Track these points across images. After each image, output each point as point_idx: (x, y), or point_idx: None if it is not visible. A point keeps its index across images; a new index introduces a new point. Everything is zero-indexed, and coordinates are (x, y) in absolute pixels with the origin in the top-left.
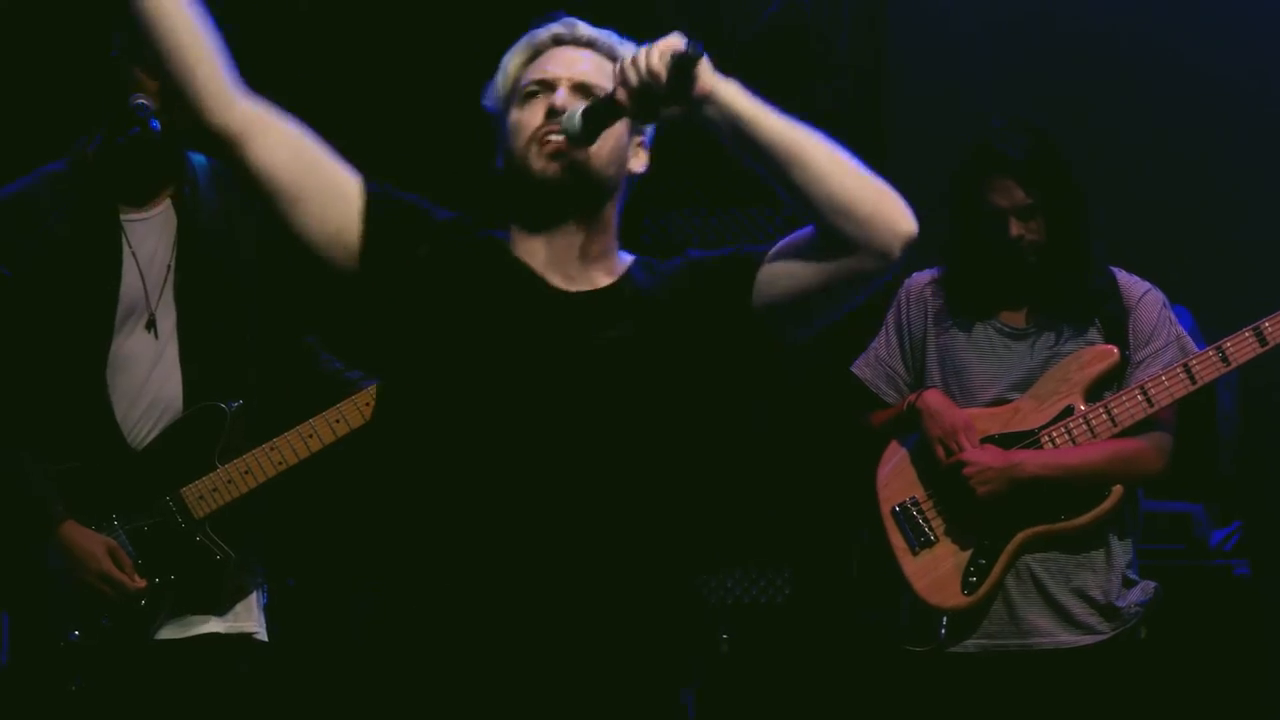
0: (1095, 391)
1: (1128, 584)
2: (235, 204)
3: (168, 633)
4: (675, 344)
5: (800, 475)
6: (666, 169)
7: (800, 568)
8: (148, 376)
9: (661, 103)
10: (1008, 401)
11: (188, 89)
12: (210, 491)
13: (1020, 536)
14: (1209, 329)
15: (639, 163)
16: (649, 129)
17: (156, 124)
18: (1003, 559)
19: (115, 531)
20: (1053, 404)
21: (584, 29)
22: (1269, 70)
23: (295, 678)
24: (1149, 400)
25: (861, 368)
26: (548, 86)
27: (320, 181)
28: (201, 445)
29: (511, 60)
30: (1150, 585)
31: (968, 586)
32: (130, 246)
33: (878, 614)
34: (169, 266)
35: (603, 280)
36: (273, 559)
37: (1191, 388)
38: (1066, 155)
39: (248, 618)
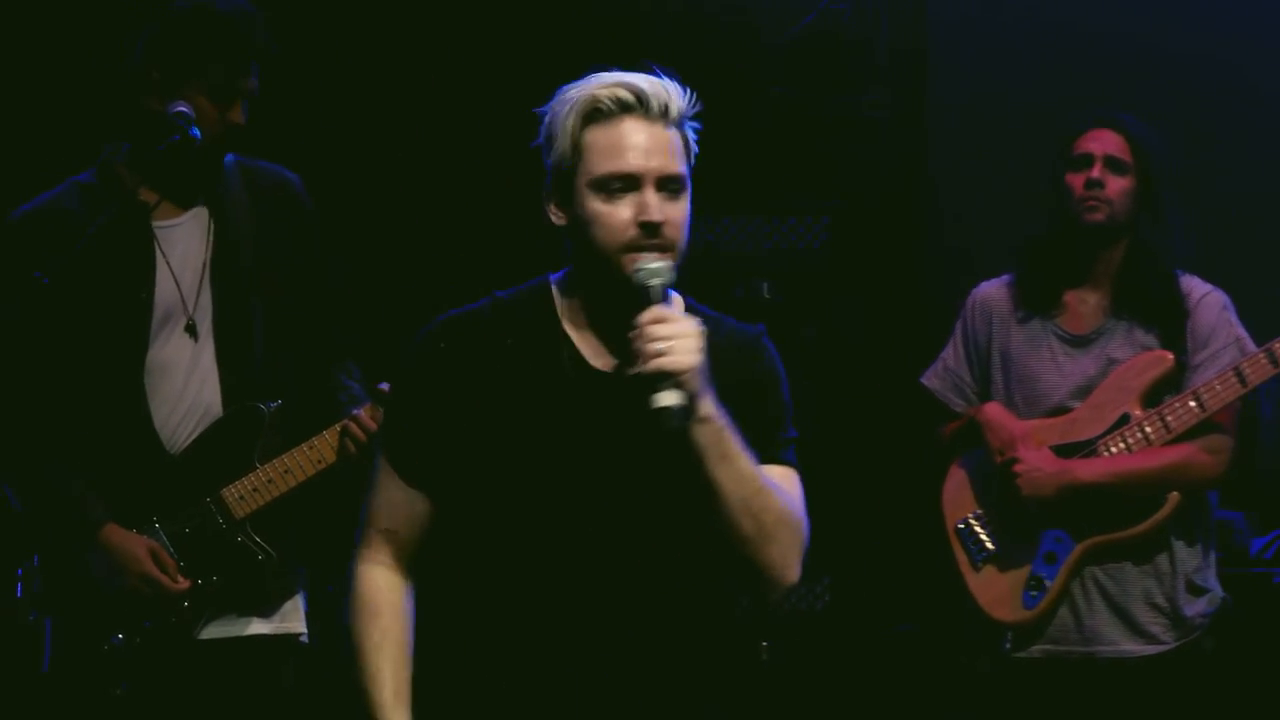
0: (1153, 397)
1: (1194, 591)
2: (269, 206)
3: (212, 633)
4: None
5: (839, 484)
6: (712, 177)
7: (839, 576)
8: (186, 381)
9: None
10: (1069, 410)
11: None
12: (250, 492)
13: (1080, 549)
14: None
15: None
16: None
17: (197, 132)
18: (1064, 572)
19: (157, 534)
20: (1110, 412)
21: (660, 97)
22: None
23: (339, 680)
24: (1201, 405)
25: (930, 378)
26: (630, 183)
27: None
28: (240, 446)
29: (571, 119)
30: (1218, 595)
31: (1029, 601)
32: (163, 252)
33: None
34: (205, 266)
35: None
36: (313, 561)
37: (1242, 390)
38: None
39: (293, 619)
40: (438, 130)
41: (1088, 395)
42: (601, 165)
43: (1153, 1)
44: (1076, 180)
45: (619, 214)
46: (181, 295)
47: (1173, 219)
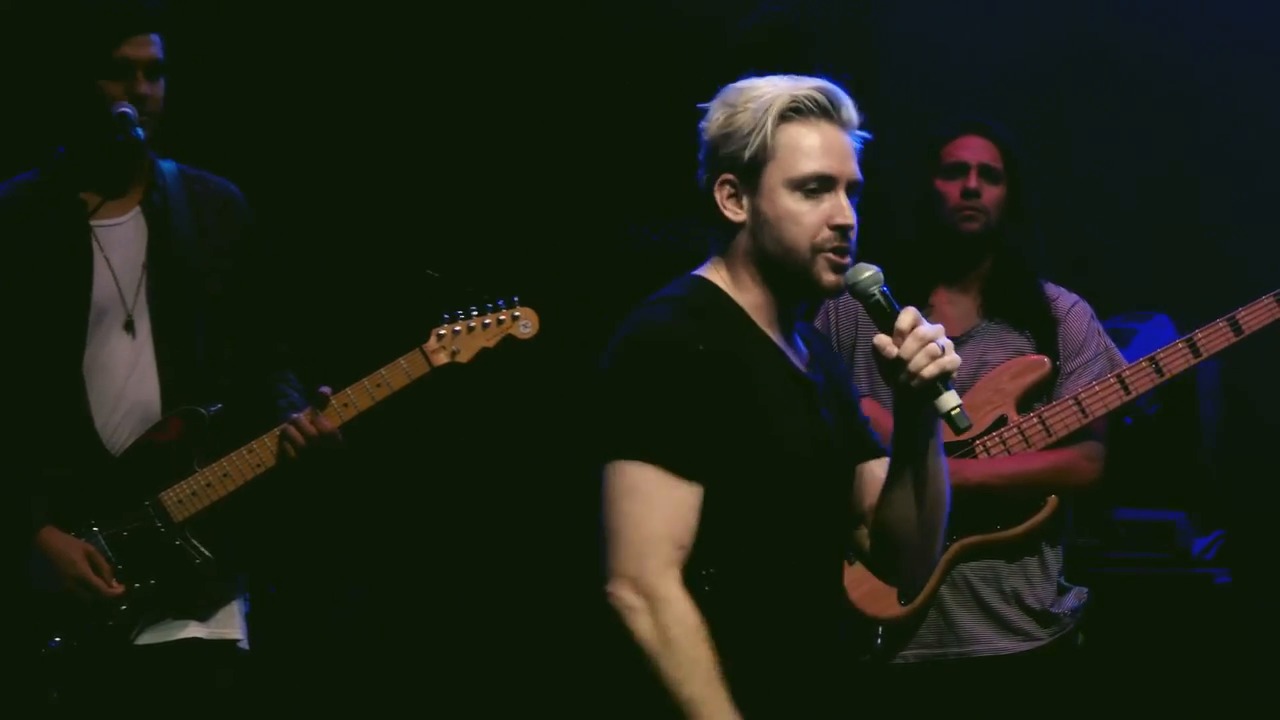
0: (1025, 402)
1: (1062, 590)
2: (210, 213)
3: (149, 638)
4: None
5: None
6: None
7: None
8: (125, 381)
9: (901, 376)
10: None
11: None
12: (189, 495)
13: (956, 547)
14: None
15: None
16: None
17: (141, 132)
18: (939, 569)
19: (95, 537)
20: (985, 414)
21: (848, 107)
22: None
23: (277, 686)
24: (1083, 410)
25: None
26: (827, 184)
27: None
28: (180, 449)
29: (766, 115)
30: (1083, 591)
31: (904, 596)
32: (103, 252)
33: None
34: (143, 269)
35: (800, 343)
36: (254, 565)
37: (1126, 398)
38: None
39: (229, 624)
40: (378, 138)
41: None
42: (802, 165)
43: (1092, 12)
44: (951, 189)
45: (813, 214)
46: (120, 294)
47: (1036, 226)
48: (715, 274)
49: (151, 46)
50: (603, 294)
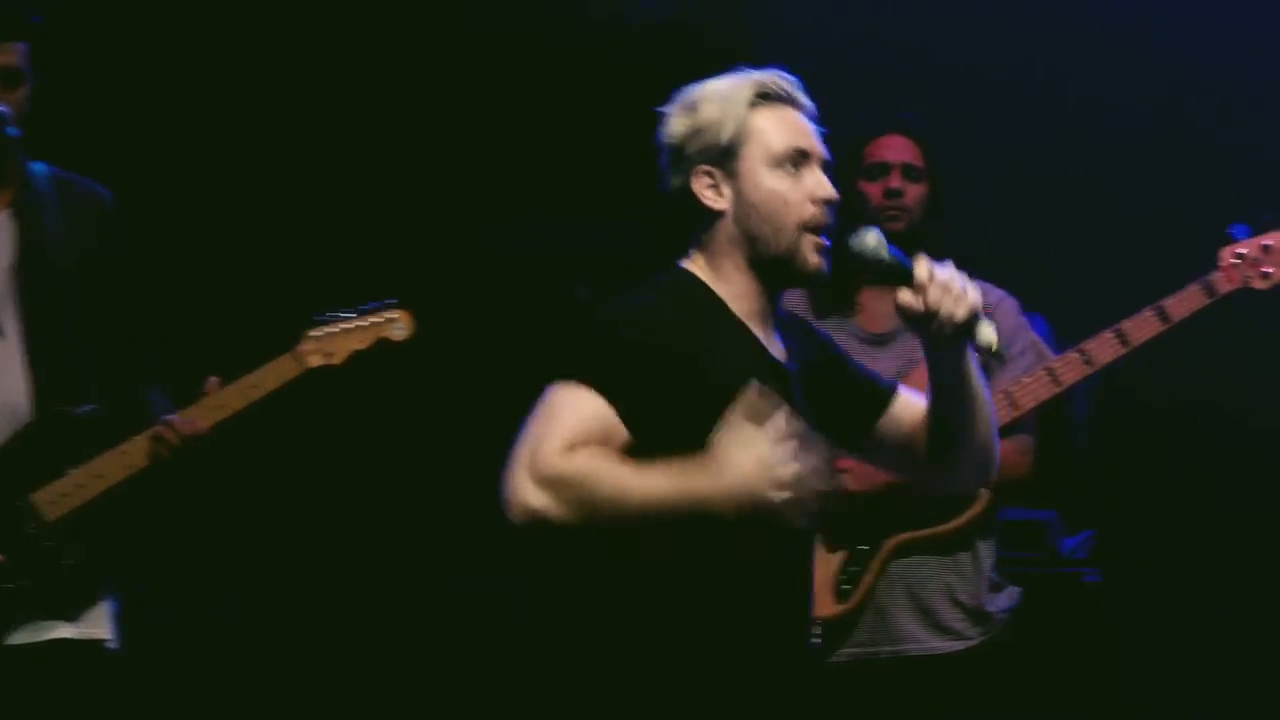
0: None
1: (994, 587)
2: (80, 217)
3: (18, 638)
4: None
5: None
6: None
7: None
8: None
9: (933, 325)
10: None
11: None
12: (61, 496)
13: (891, 543)
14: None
15: None
16: None
17: (14, 130)
18: (874, 566)
19: None
20: None
21: (805, 95)
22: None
23: (146, 686)
24: (1013, 404)
25: None
26: (805, 159)
27: None
28: (52, 450)
29: (737, 102)
30: (1015, 590)
31: (840, 595)
32: None
33: None
34: (12, 270)
35: (774, 333)
36: (124, 565)
37: (1056, 390)
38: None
39: (98, 624)
40: (253, 139)
41: None
42: (783, 141)
43: (968, 14)
44: (873, 189)
45: (797, 190)
46: None
47: (961, 222)
48: (694, 265)
49: (7, 54)
50: (469, 296)
